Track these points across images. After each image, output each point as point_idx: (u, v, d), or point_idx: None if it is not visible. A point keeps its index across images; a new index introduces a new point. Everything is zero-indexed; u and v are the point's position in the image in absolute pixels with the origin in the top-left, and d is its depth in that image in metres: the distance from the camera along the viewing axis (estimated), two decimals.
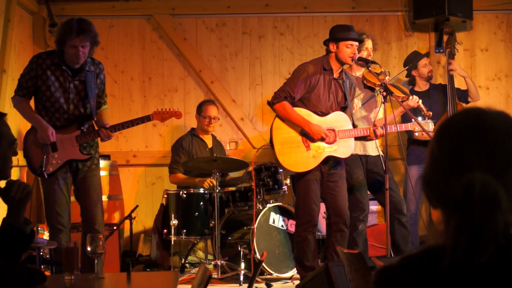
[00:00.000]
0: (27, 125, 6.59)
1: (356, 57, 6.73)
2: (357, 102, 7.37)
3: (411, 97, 7.38)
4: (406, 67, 8.48)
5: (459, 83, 8.59)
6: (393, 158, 9.08)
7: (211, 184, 7.93)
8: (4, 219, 3.48)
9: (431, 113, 7.29)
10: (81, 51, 6.22)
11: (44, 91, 6.33)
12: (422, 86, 8.57)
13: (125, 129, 6.73)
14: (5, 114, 3.57)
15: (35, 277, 3.41)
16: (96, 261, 4.11)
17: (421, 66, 8.55)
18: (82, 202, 6.53)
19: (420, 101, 7.36)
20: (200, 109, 8.56)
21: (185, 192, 7.85)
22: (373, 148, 7.41)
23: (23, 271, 3.30)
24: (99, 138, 6.56)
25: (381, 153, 7.42)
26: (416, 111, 7.71)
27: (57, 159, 6.35)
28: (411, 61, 8.58)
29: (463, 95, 8.56)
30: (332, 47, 6.73)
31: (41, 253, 6.17)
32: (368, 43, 7.53)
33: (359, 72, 7.54)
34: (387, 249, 6.63)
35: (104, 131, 6.41)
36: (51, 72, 6.33)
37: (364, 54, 7.41)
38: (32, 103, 6.54)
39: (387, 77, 6.90)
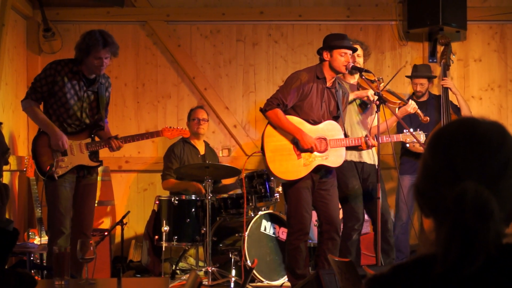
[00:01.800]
0: (21, 129, 6.64)
1: (350, 66, 6.71)
2: (352, 109, 7.36)
3: (408, 102, 7.40)
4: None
5: (454, 97, 8.62)
6: (386, 167, 9.09)
7: (202, 189, 7.95)
8: None
9: (428, 118, 7.31)
10: (104, 62, 6.47)
11: (59, 96, 6.48)
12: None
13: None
14: (0, 123, 3.58)
15: (25, 281, 3.39)
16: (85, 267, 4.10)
17: (413, 82, 8.61)
18: (78, 207, 6.62)
19: (416, 106, 7.38)
20: (189, 115, 8.62)
21: (177, 198, 7.85)
22: (369, 156, 7.40)
23: (13, 275, 3.29)
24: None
25: (376, 162, 7.42)
26: (412, 118, 7.73)
27: (67, 163, 6.49)
28: (413, 71, 8.63)
29: (456, 110, 8.57)
30: (326, 55, 6.73)
31: (31, 258, 6.16)
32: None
33: (352, 79, 7.54)
34: (377, 258, 6.63)
35: (116, 142, 6.63)
36: (68, 79, 6.50)
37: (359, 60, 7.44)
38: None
39: (381, 84, 6.90)
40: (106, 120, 6.87)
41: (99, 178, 8.27)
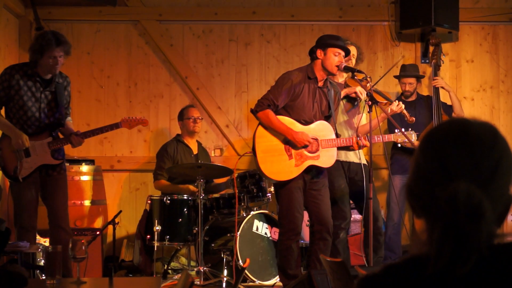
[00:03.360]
0: None
1: (343, 66, 6.71)
2: (339, 109, 7.37)
3: (394, 102, 7.40)
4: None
5: (446, 98, 8.62)
6: (377, 167, 9.10)
7: (194, 190, 7.95)
8: None
9: (414, 118, 7.31)
10: (59, 61, 6.65)
11: (17, 100, 6.66)
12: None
13: (109, 134, 7.43)
14: None
15: (16, 280, 3.39)
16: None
17: (401, 82, 8.62)
18: (50, 203, 6.83)
19: (403, 106, 7.38)
20: (182, 114, 8.62)
21: (169, 198, 7.85)
22: (356, 155, 7.41)
23: (3, 274, 3.28)
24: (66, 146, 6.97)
25: (364, 162, 7.42)
26: (399, 118, 7.73)
27: (31, 164, 6.67)
28: (402, 71, 8.64)
29: (448, 110, 8.58)
30: (320, 53, 6.72)
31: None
32: (352, 50, 7.52)
33: (341, 78, 7.55)
34: (369, 258, 6.64)
35: (76, 138, 6.79)
36: (23, 82, 6.68)
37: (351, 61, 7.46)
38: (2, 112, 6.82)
39: (368, 84, 6.89)
40: (69, 118, 7.07)
41: (90, 177, 8.35)
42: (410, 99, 8.55)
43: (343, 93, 7.32)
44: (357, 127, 7.29)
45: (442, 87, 8.53)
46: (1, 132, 6.84)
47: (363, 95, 7.09)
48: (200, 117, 8.66)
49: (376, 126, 7.17)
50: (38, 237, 7.29)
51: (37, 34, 6.93)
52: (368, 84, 6.87)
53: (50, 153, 6.74)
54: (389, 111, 7.19)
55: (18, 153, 6.61)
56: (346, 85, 7.47)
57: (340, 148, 6.90)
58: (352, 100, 7.49)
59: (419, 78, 8.69)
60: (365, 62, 9.27)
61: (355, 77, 7.00)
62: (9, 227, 3.56)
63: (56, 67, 6.68)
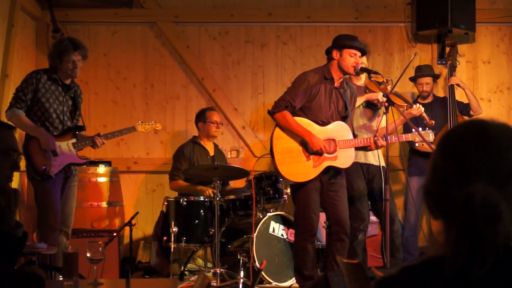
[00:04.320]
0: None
1: (359, 67, 6.69)
2: (357, 112, 7.36)
3: (414, 105, 7.38)
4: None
5: (462, 97, 8.60)
6: (394, 168, 9.08)
7: (211, 195, 7.94)
8: None
9: (433, 122, 7.28)
10: (78, 65, 6.95)
11: (43, 102, 6.87)
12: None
13: (126, 136, 8.06)
14: (13, 128, 3.59)
15: (33, 281, 3.40)
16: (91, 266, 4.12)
17: (418, 83, 8.59)
18: (62, 208, 6.98)
19: (423, 109, 7.36)
20: (204, 116, 8.58)
21: (185, 199, 7.85)
22: (375, 158, 7.40)
23: (21, 275, 3.29)
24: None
25: (383, 163, 7.40)
26: (418, 120, 7.71)
27: (58, 163, 6.85)
28: (417, 71, 8.61)
29: (465, 108, 8.55)
30: (336, 54, 6.70)
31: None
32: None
33: (359, 81, 7.54)
34: (386, 260, 6.62)
35: (99, 139, 7.06)
36: (48, 86, 6.93)
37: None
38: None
39: (388, 86, 6.88)
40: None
41: (107, 179, 8.42)
42: (426, 101, 8.51)
43: (363, 98, 7.31)
44: (377, 129, 7.27)
45: (458, 85, 8.50)
46: (24, 133, 6.97)
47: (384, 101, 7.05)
48: (221, 122, 8.73)
49: (394, 130, 7.16)
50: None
51: (54, 42, 7.30)
52: (388, 87, 6.87)
53: (75, 153, 6.99)
54: (406, 113, 7.17)
55: (46, 153, 6.80)
56: (366, 87, 7.45)
57: (357, 149, 6.88)
58: (373, 106, 7.47)
59: (435, 77, 8.66)
60: (381, 64, 9.28)
61: (375, 81, 6.96)
62: (26, 230, 3.56)
63: (76, 71, 6.95)
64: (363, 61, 7.48)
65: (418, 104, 7.45)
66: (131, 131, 7.44)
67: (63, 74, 6.98)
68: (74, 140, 7.01)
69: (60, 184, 6.93)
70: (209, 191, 8.03)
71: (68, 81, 7.05)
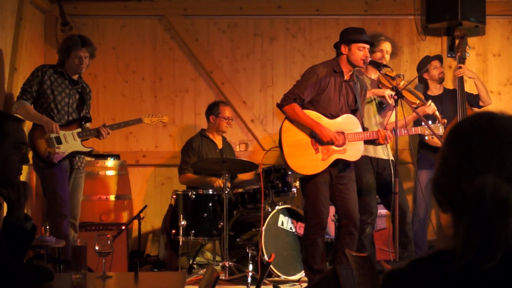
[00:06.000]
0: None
1: (368, 60, 6.67)
2: (371, 109, 7.36)
3: (427, 103, 7.36)
4: (420, 73, 8.43)
5: (472, 89, 8.56)
6: (403, 162, 9.06)
7: (221, 185, 7.93)
8: (4, 218, 3.48)
9: (446, 120, 7.26)
10: (84, 61, 7.15)
11: (48, 94, 7.07)
12: (435, 90, 8.52)
13: (134, 129, 8.22)
14: (22, 120, 3.59)
15: (42, 274, 3.40)
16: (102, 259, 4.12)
17: (431, 68, 8.48)
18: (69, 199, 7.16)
19: (435, 108, 7.35)
20: (217, 110, 8.56)
21: (194, 192, 7.85)
22: (384, 152, 7.40)
23: (30, 269, 3.29)
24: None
25: (391, 157, 7.38)
26: (429, 118, 7.68)
27: (62, 150, 7.01)
28: (423, 65, 8.54)
29: (474, 99, 8.51)
30: (344, 49, 6.69)
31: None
32: (386, 46, 7.52)
33: (374, 74, 7.53)
34: (395, 253, 6.60)
35: (104, 129, 7.20)
36: (54, 79, 7.14)
37: (377, 55, 7.42)
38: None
39: (402, 82, 6.85)
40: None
41: (115, 172, 8.44)
42: (436, 94, 8.47)
43: (369, 93, 7.29)
44: (387, 123, 7.26)
45: (466, 75, 8.45)
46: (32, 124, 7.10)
47: (391, 100, 7.01)
48: (232, 118, 8.72)
49: (407, 125, 7.13)
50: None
51: (64, 37, 7.60)
52: (402, 83, 6.84)
53: (80, 141, 7.12)
54: (419, 110, 7.15)
55: (50, 140, 6.95)
56: (379, 81, 7.44)
57: (366, 142, 6.87)
58: (381, 103, 7.46)
59: (440, 60, 8.59)
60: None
61: (386, 74, 6.92)
62: (35, 223, 3.56)
63: (82, 67, 7.16)
64: (387, 49, 7.49)
65: (430, 101, 7.43)
66: (137, 123, 7.54)
67: (70, 69, 7.16)
68: (79, 130, 7.15)
69: (67, 173, 7.06)
70: (219, 181, 8.02)
71: (75, 77, 7.23)
